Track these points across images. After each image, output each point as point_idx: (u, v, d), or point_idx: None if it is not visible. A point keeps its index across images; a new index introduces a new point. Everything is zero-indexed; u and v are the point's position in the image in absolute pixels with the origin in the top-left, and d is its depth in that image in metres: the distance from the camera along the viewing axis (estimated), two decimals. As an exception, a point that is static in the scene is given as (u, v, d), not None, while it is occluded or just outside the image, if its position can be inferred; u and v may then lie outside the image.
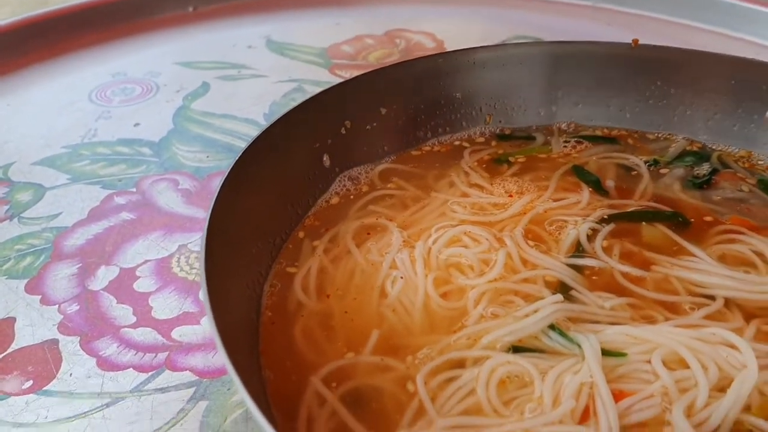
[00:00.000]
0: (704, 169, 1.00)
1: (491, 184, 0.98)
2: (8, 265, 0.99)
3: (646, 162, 1.02)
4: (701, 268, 0.81)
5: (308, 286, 0.81)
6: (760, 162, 1.03)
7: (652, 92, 1.09)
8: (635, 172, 1.01)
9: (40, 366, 0.83)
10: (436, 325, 0.75)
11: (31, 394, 0.79)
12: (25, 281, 0.96)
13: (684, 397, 0.63)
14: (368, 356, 0.71)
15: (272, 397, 0.67)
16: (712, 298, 0.77)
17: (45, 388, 0.80)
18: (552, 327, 0.72)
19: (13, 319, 0.89)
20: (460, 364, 0.70)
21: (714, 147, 1.06)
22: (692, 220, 0.90)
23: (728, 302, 0.77)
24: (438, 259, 0.83)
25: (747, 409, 0.63)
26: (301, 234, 0.89)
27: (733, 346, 0.68)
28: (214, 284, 0.62)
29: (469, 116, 1.11)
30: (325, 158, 0.96)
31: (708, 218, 0.91)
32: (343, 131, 0.98)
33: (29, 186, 1.18)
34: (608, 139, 1.10)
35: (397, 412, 0.65)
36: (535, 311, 0.74)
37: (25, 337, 0.87)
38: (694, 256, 0.83)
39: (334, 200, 0.96)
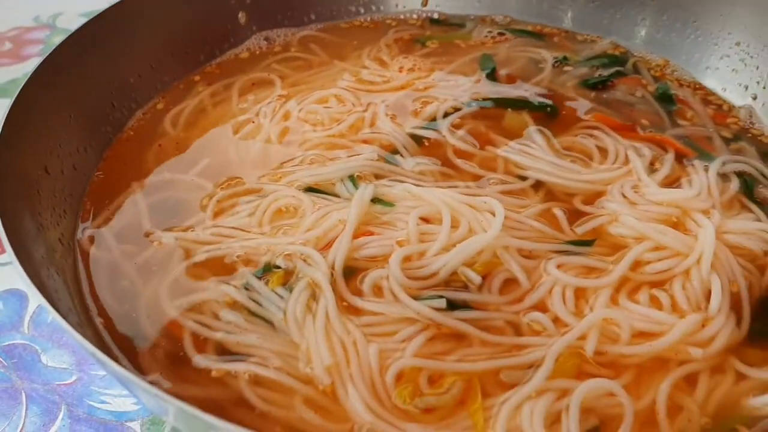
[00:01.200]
0: (608, 71, 1.00)
1: (392, 60, 1.04)
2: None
3: (554, 58, 1.03)
4: (530, 152, 0.85)
5: (178, 120, 0.92)
6: (674, 72, 1.02)
7: (587, -10, 1.09)
8: (540, 66, 1.03)
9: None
10: (265, 164, 0.84)
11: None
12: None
13: (417, 245, 0.70)
14: (189, 176, 0.83)
15: (92, 188, 0.80)
16: (524, 178, 0.82)
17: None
18: (351, 177, 0.79)
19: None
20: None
21: (636, 53, 1.05)
22: (563, 113, 0.92)
23: (540, 185, 0.81)
24: (297, 113, 0.91)
25: (471, 264, 0.69)
26: (197, 78, 1.00)
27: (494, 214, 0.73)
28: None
29: (405, -3, 1.15)
30: (240, 15, 1.04)
31: (579, 113, 0.93)
32: (265, -8, 1.06)
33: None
34: (535, 35, 1.11)
35: (186, 218, 0.77)
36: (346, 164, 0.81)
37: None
38: (533, 142, 0.86)
39: (244, 55, 1.05)
